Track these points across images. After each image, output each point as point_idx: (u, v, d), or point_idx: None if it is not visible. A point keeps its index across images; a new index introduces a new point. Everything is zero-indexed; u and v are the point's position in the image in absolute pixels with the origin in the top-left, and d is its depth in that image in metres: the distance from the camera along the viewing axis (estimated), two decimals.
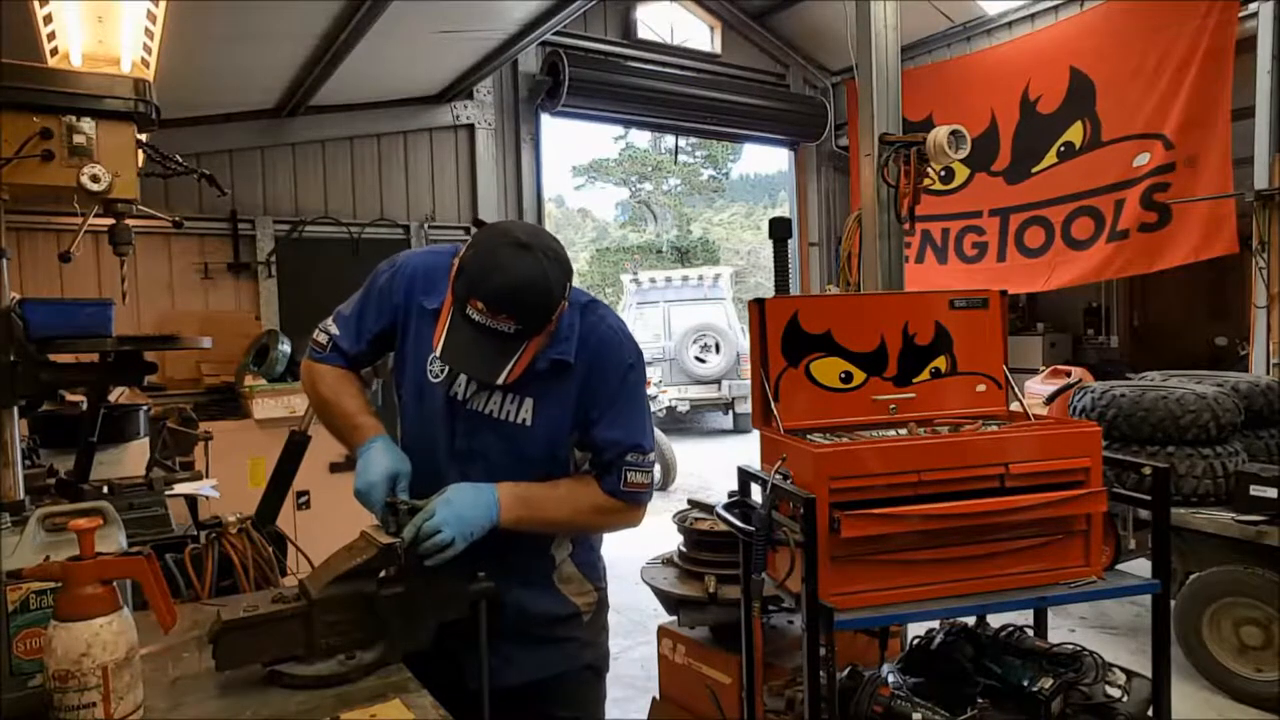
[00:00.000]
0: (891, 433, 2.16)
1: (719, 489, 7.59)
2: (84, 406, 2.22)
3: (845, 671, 2.10)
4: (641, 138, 25.97)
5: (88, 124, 1.80)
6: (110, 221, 1.94)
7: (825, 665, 1.90)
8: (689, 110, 8.54)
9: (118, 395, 3.35)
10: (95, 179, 1.79)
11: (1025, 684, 2.05)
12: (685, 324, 12.69)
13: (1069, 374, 6.77)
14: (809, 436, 2.12)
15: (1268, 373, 5.36)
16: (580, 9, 5.68)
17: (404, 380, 1.74)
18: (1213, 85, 6.15)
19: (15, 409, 1.87)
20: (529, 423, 1.64)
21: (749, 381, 3.08)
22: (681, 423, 13.16)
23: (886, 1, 4.21)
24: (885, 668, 2.21)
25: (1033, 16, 7.68)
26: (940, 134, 4.02)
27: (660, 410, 11.77)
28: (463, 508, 1.52)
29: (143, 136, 1.94)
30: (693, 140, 20.75)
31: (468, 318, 1.46)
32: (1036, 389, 6.42)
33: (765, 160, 35.84)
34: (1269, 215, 5.40)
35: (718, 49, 9.10)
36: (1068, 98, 7.14)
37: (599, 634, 1.85)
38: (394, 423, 1.79)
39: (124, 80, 1.90)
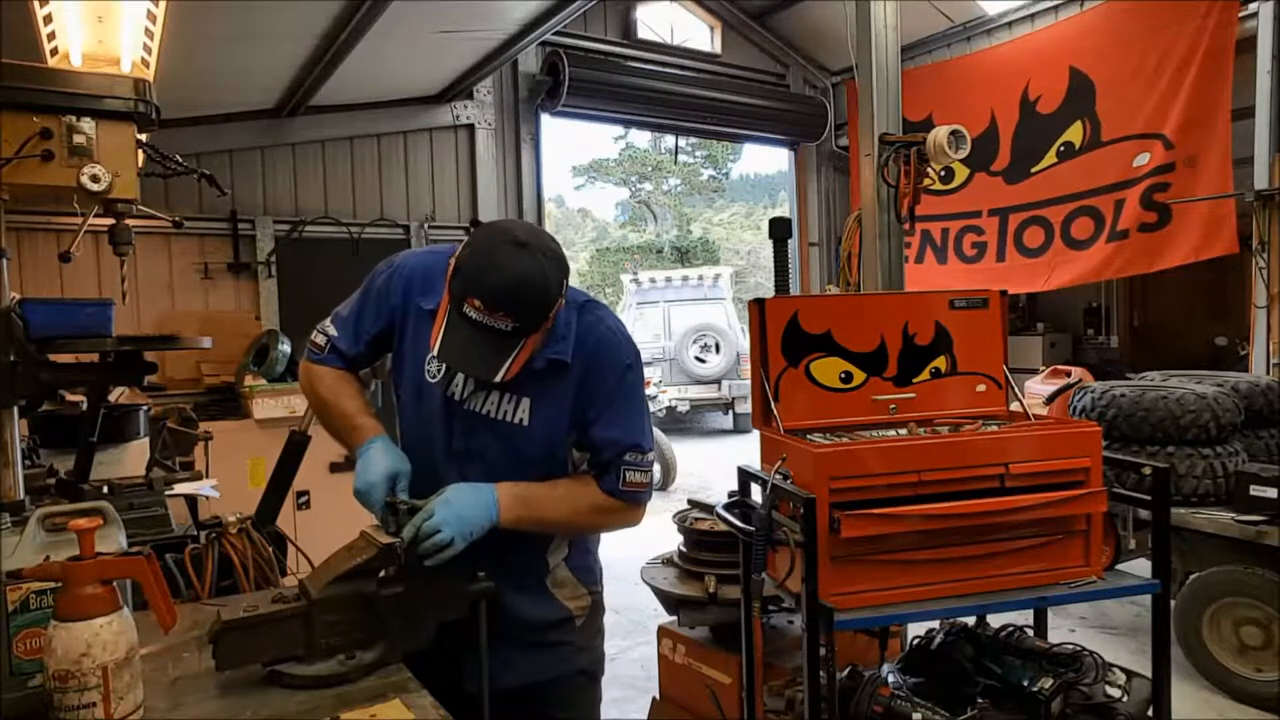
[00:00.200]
0: (891, 433, 2.16)
1: (719, 489, 7.59)
2: (84, 406, 2.22)
3: (845, 671, 2.10)
4: (641, 138, 26.01)
5: (88, 124, 1.80)
6: (110, 221, 1.94)
7: (825, 665, 1.90)
8: (689, 110, 8.53)
9: (118, 395, 3.35)
10: (95, 179, 1.79)
11: (1025, 684, 2.05)
12: (685, 324, 12.68)
13: (1069, 374, 6.77)
14: (809, 436, 2.12)
15: (1268, 373, 5.36)
16: (580, 9, 5.68)
17: (402, 381, 1.74)
18: (1213, 85, 6.14)
19: (15, 409, 1.87)
20: (526, 423, 1.64)
21: (749, 381, 3.08)
22: (681, 423, 13.16)
23: (886, 1, 4.21)
24: (885, 668, 2.21)
25: (1033, 16, 7.68)
26: (940, 134, 4.02)
27: (660, 410, 11.77)
28: (462, 508, 1.52)
29: (143, 136, 1.94)
30: (693, 140, 20.76)
31: (465, 316, 1.45)
32: (1036, 389, 6.42)
33: (765, 160, 35.88)
34: (1269, 215, 5.40)
35: (718, 49, 9.10)
36: (1067, 98, 7.14)
37: (593, 638, 1.83)
38: (393, 423, 1.79)
39: (124, 80, 1.90)
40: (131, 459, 2.84)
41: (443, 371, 1.66)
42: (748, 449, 7.05)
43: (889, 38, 4.24)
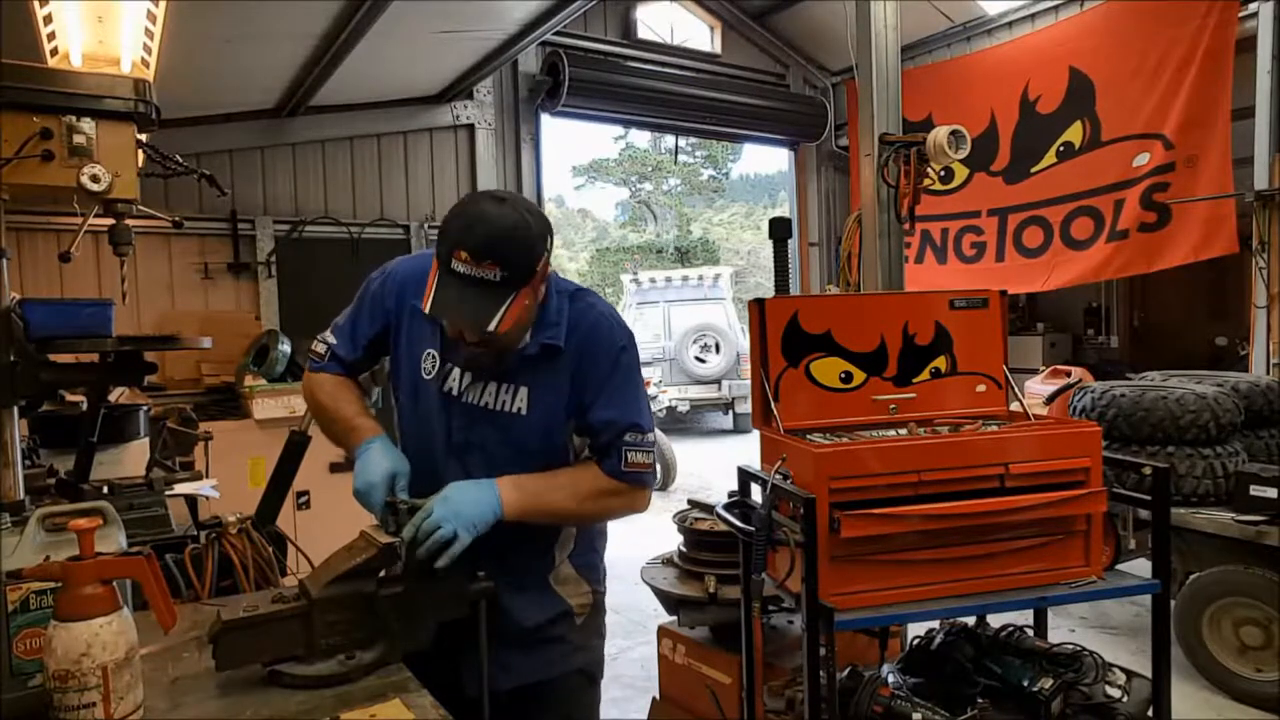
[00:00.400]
0: (891, 433, 2.16)
1: (719, 489, 7.59)
2: (84, 406, 2.22)
3: (845, 671, 2.10)
4: (641, 138, 26.01)
5: (88, 124, 1.80)
6: (110, 221, 1.94)
7: (825, 665, 1.90)
8: (689, 110, 8.53)
9: (118, 395, 3.35)
10: (95, 179, 1.79)
11: (1025, 684, 2.05)
12: (685, 324, 12.68)
13: (1069, 374, 6.77)
14: (809, 436, 2.12)
15: (1268, 373, 5.36)
16: (580, 9, 5.68)
17: (400, 382, 1.76)
18: (1213, 85, 6.14)
19: (15, 409, 1.87)
20: (524, 411, 1.65)
21: (749, 381, 3.08)
22: (681, 423, 13.16)
23: (886, 1, 4.21)
24: (885, 668, 2.21)
25: (1033, 16, 7.68)
26: (940, 134, 4.02)
27: (660, 410, 11.76)
28: (461, 504, 1.52)
29: (143, 136, 1.94)
30: (693, 140, 20.76)
31: (454, 272, 1.46)
32: (1036, 389, 6.42)
33: (765, 160, 35.89)
34: (1269, 215, 5.39)
35: (718, 49, 9.10)
36: (1067, 98, 7.14)
37: (591, 638, 1.82)
38: (395, 426, 1.80)
39: (124, 80, 1.90)
40: (131, 459, 2.84)
41: (437, 369, 1.67)
42: (748, 449, 7.05)
43: (889, 38, 4.24)
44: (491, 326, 1.48)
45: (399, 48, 5.46)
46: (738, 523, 2.14)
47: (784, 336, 2.23)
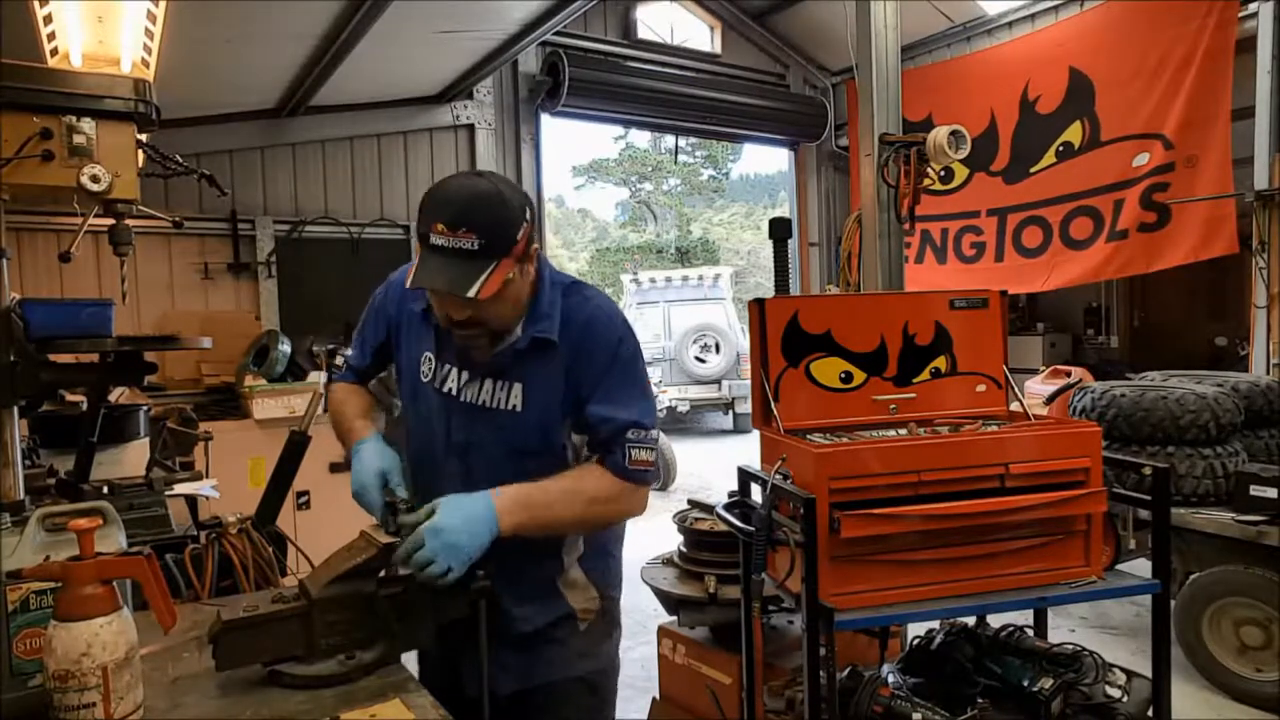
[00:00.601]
0: (891, 433, 2.16)
1: (719, 489, 7.59)
2: (84, 406, 2.22)
3: (845, 671, 2.10)
4: (641, 138, 26.02)
5: (88, 124, 1.80)
6: (110, 221, 1.94)
7: (825, 665, 1.90)
8: (689, 110, 8.53)
9: (118, 395, 3.35)
10: (95, 179, 1.79)
11: (1025, 684, 2.05)
12: (685, 324, 12.69)
13: (1069, 374, 6.77)
14: (809, 436, 2.12)
15: (1268, 373, 5.36)
16: (580, 9, 5.68)
17: (402, 386, 1.78)
18: (1213, 85, 6.14)
19: (15, 409, 1.87)
20: (520, 409, 1.62)
21: (749, 381, 3.08)
22: (681, 423, 13.16)
23: (886, 1, 4.21)
24: (885, 668, 2.21)
25: (1033, 16, 7.68)
26: (940, 134, 4.03)
27: (660, 410, 11.73)
28: (453, 534, 1.44)
29: (143, 136, 1.94)
30: (693, 140, 20.76)
31: (433, 245, 1.47)
32: (1036, 389, 6.42)
33: (765, 160, 35.92)
34: (1269, 215, 5.40)
35: (718, 49, 9.10)
36: (1067, 97, 7.14)
37: (597, 645, 1.75)
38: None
39: (124, 80, 1.90)
40: (131, 459, 2.84)
41: (434, 369, 1.68)
42: (748, 449, 7.05)
43: (889, 38, 4.24)
44: (471, 292, 1.44)
45: (399, 48, 5.46)
46: (738, 523, 2.14)
47: (784, 336, 2.23)
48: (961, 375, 2.34)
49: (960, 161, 4.41)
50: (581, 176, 27.65)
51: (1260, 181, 5.50)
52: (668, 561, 2.90)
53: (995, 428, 2.18)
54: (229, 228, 6.19)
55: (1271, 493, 3.46)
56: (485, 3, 5.37)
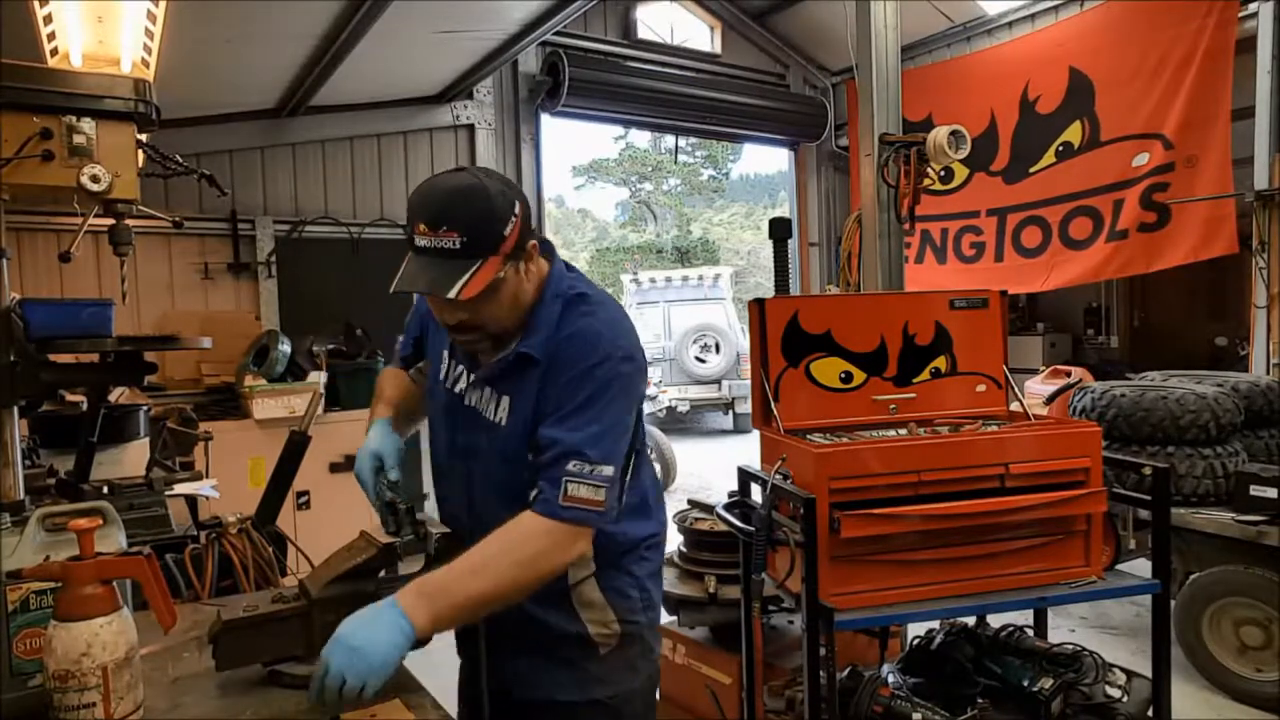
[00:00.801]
0: (891, 433, 2.16)
1: (719, 489, 7.59)
2: (84, 406, 2.22)
3: (845, 671, 2.10)
4: (641, 138, 26.02)
5: (88, 124, 1.80)
6: (110, 221, 1.94)
7: (825, 665, 1.90)
8: (689, 110, 8.53)
9: (118, 395, 3.35)
10: (95, 179, 1.79)
11: (1025, 684, 2.05)
12: (685, 324, 12.70)
13: (1069, 374, 6.77)
14: (809, 436, 2.12)
15: (1268, 373, 5.36)
16: (580, 9, 5.67)
17: (430, 380, 1.80)
18: (1213, 85, 6.14)
19: (15, 409, 1.87)
20: (504, 421, 1.57)
21: (749, 381, 3.08)
22: (681, 423, 13.17)
23: (886, 1, 4.21)
24: (885, 668, 2.21)
25: (1033, 16, 7.67)
26: (940, 134, 4.03)
27: (660, 410, 11.78)
28: (360, 647, 1.22)
29: (143, 136, 1.94)
30: (693, 140, 20.76)
31: (417, 247, 1.43)
32: (1036, 389, 6.42)
33: (765, 160, 35.94)
34: (1269, 215, 5.39)
35: (718, 49, 9.10)
36: (1067, 97, 7.13)
37: (617, 672, 1.59)
38: None
39: (124, 80, 1.90)
40: (131, 459, 2.84)
41: (447, 370, 1.68)
42: (748, 449, 7.05)
43: (889, 38, 4.24)
44: (451, 293, 1.38)
45: (399, 48, 5.46)
46: (738, 523, 2.14)
47: (784, 336, 2.23)
48: (961, 375, 2.34)
49: (960, 161, 4.41)
50: (581, 176, 27.67)
51: (1260, 181, 5.50)
52: (668, 562, 2.90)
53: (995, 428, 2.18)
54: (229, 228, 6.19)
55: (1271, 493, 3.46)
56: (485, 3, 5.36)
